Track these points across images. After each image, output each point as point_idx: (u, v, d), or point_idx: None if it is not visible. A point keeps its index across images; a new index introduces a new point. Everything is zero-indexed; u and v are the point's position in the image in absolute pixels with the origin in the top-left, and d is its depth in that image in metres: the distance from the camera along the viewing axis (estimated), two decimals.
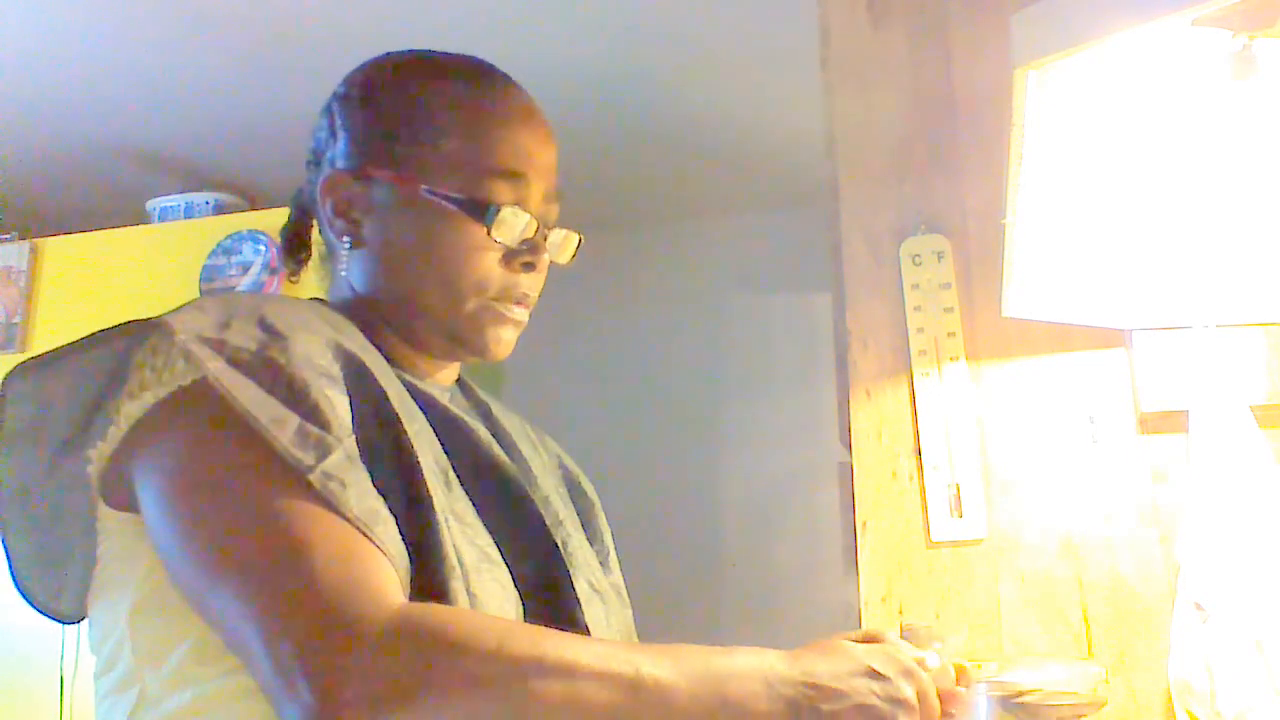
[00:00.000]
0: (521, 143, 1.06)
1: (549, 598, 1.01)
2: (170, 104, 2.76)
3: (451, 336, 1.06)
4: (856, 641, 0.96)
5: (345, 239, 1.07)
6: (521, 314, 1.08)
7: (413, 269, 1.05)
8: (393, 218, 1.05)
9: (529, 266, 1.06)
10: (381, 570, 0.83)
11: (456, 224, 1.03)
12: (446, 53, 1.12)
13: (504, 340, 1.07)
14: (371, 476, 0.88)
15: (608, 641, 0.89)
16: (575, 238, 1.13)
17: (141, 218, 2.90)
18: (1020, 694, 1.04)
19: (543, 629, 0.85)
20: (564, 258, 1.13)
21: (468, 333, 1.05)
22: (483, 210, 1.03)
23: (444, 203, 1.03)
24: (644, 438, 3.43)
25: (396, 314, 1.06)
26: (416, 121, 1.05)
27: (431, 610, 0.83)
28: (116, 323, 0.92)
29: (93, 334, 0.92)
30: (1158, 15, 0.88)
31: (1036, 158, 1.08)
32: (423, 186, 1.03)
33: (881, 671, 0.91)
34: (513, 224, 1.04)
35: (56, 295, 2.76)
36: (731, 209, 3.47)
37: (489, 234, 1.03)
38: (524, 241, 1.05)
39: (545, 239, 1.07)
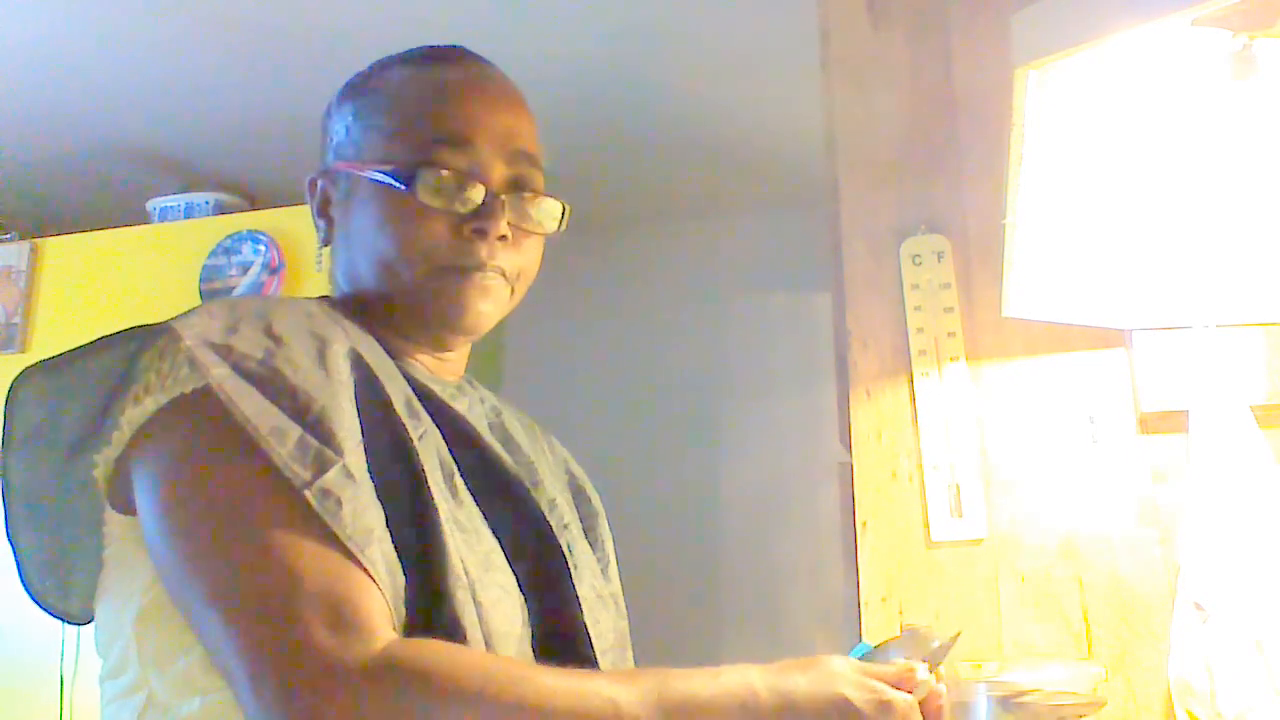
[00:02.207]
0: (466, 109, 1.05)
1: (551, 599, 1.00)
2: (170, 104, 2.76)
3: (415, 311, 1.04)
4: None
5: (322, 238, 1.10)
6: (490, 280, 1.03)
7: (366, 252, 1.05)
8: (349, 206, 1.07)
9: (479, 232, 1.02)
10: (370, 601, 0.82)
11: (393, 196, 1.02)
12: (423, 46, 1.12)
13: (474, 309, 1.03)
14: (378, 484, 0.88)
15: (590, 675, 0.88)
16: (559, 205, 1.08)
17: (141, 218, 2.90)
18: (1020, 694, 1.04)
19: (528, 668, 0.86)
20: (549, 226, 1.08)
21: (429, 303, 1.03)
22: (410, 176, 1.01)
23: (382, 178, 1.02)
24: (644, 438, 3.43)
25: (372, 303, 1.05)
26: (365, 110, 1.07)
27: (416, 652, 0.82)
28: (124, 326, 0.92)
29: (101, 338, 0.92)
30: (1158, 15, 0.88)
31: (1036, 158, 1.08)
32: (368, 170, 1.04)
33: (855, 702, 0.90)
34: (447, 188, 1.01)
35: (56, 295, 2.76)
36: (731, 209, 3.47)
37: (417, 198, 1.01)
38: (478, 207, 1.02)
39: (503, 205, 1.03)
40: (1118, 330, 1.51)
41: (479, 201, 1.02)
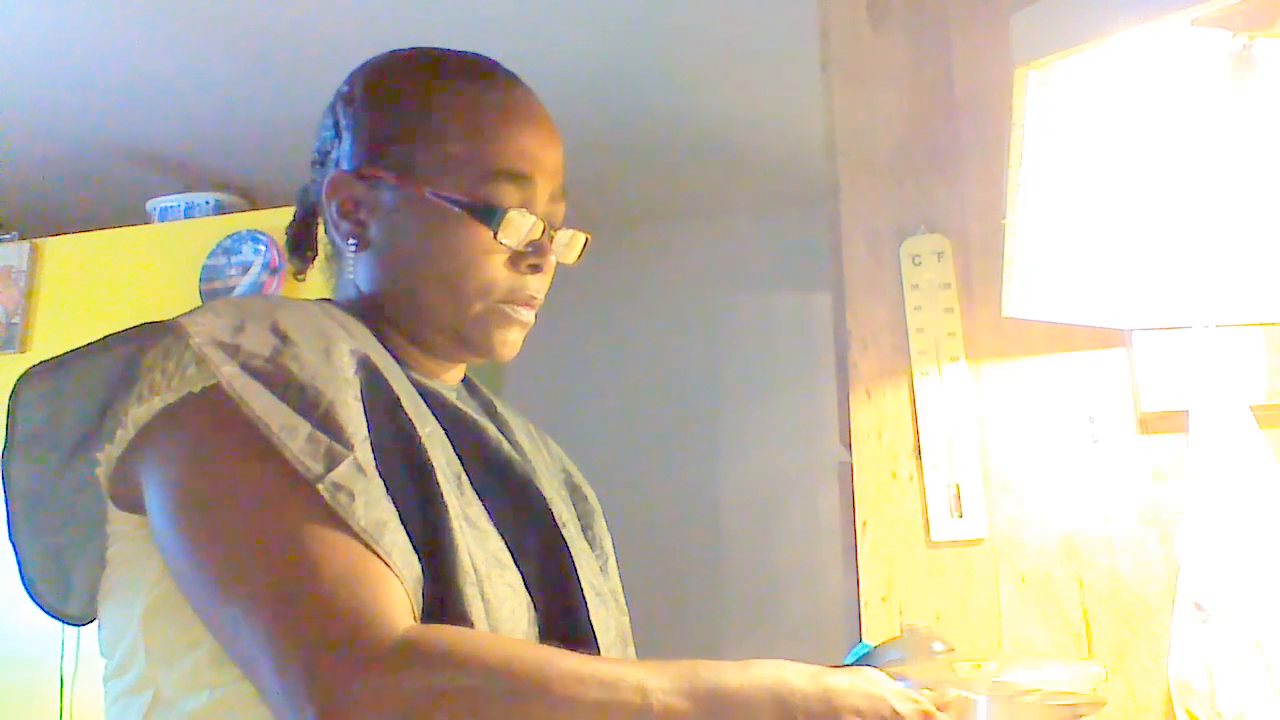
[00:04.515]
0: (526, 144, 1.06)
1: (557, 597, 1.01)
2: (170, 104, 2.76)
3: (458, 338, 1.06)
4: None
5: (351, 241, 1.06)
6: (528, 315, 1.07)
7: (418, 272, 1.04)
8: (398, 220, 1.04)
9: (535, 268, 1.05)
10: (389, 589, 0.83)
11: (462, 227, 1.02)
12: (451, 50, 1.11)
13: (510, 342, 1.07)
14: (386, 482, 0.88)
15: (618, 662, 0.88)
16: (582, 237, 1.12)
17: (141, 218, 2.90)
18: (1020, 694, 1.04)
19: (550, 651, 0.85)
20: (570, 257, 1.12)
21: (474, 335, 1.05)
22: (489, 213, 1.02)
23: (449, 205, 1.02)
24: (644, 438, 3.43)
25: (403, 315, 1.06)
26: (420, 122, 1.05)
27: (437, 634, 0.82)
28: (128, 324, 0.92)
29: (105, 336, 0.92)
30: (1158, 15, 0.88)
31: (1036, 158, 1.08)
32: (428, 189, 1.02)
33: (899, 708, 0.90)
34: (518, 226, 1.03)
35: (56, 295, 2.76)
36: (731, 209, 3.47)
37: (495, 237, 1.02)
38: (530, 243, 1.05)
39: (551, 240, 1.07)
40: (1118, 330, 1.51)
41: (536, 238, 1.05)
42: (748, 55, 2.56)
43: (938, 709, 0.93)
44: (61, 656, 2.48)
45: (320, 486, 0.83)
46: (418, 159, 1.04)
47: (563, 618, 1.00)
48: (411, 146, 1.04)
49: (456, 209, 1.02)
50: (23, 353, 2.69)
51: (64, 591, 1.00)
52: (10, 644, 2.51)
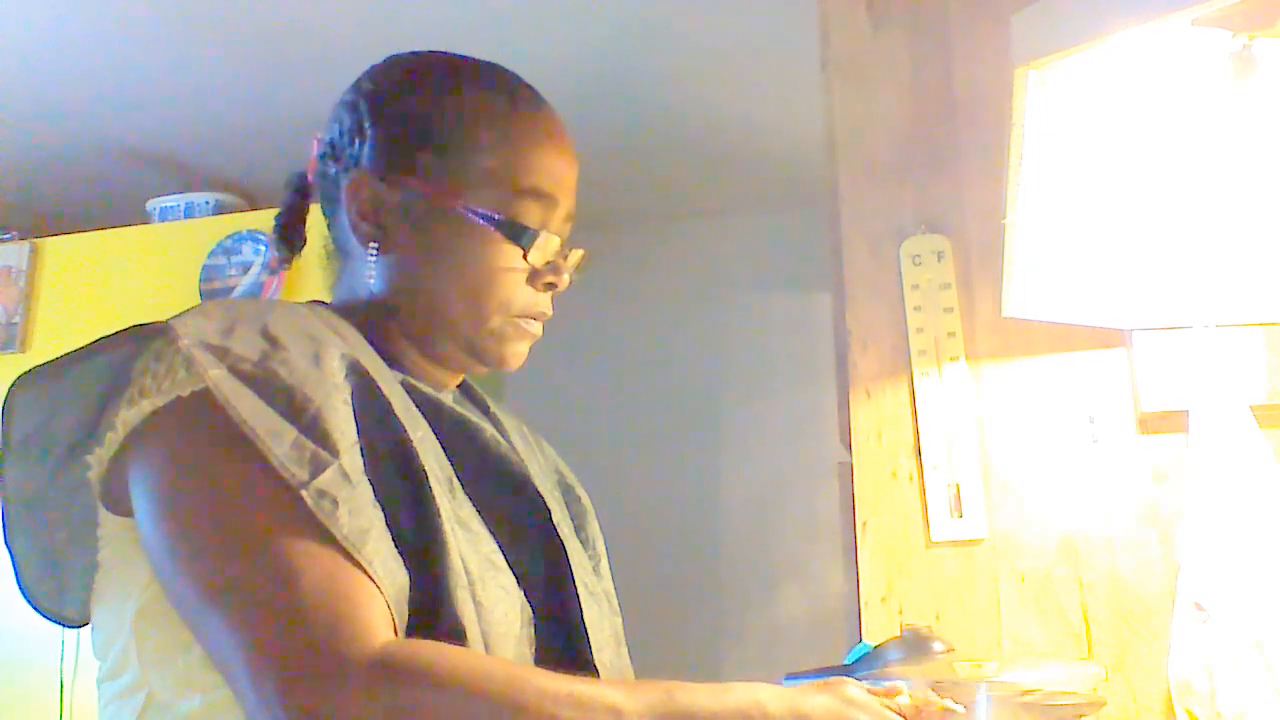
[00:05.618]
0: (553, 164, 1.07)
1: (552, 598, 1.01)
2: (170, 104, 2.76)
3: (470, 349, 1.06)
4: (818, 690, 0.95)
5: (372, 244, 1.05)
6: (538, 329, 1.08)
7: (440, 281, 1.04)
8: (424, 228, 1.04)
9: (551, 286, 1.07)
10: (368, 602, 0.82)
11: (491, 243, 1.03)
12: (478, 60, 1.11)
13: (519, 354, 1.08)
14: (376, 487, 0.88)
15: (595, 683, 0.87)
16: (580, 254, 1.12)
17: (141, 218, 2.90)
18: (1020, 694, 1.04)
19: (527, 671, 0.85)
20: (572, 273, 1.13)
21: (487, 347, 1.06)
22: (519, 232, 1.03)
23: (480, 221, 1.03)
24: (644, 437, 3.43)
25: (416, 322, 1.06)
26: (453, 132, 1.04)
27: (414, 651, 0.82)
28: (121, 326, 0.92)
29: (98, 340, 0.92)
30: (1158, 15, 0.88)
31: (1036, 158, 1.08)
32: (459, 202, 1.03)
33: None
34: (544, 247, 1.05)
35: (56, 295, 2.76)
36: (731, 209, 3.47)
37: (524, 256, 1.04)
38: (548, 262, 1.06)
39: (566, 259, 1.08)
40: (1118, 330, 1.51)
41: (553, 256, 1.07)
42: (748, 55, 2.56)
43: (909, 714, 0.93)
44: (61, 658, 2.48)
45: (304, 493, 0.83)
46: (448, 169, 1.04)
47: (557, 618, 1.00)
48: (442, 156, 1.04)
49: (487, 225, 1.03)
50: (22, 353, 2.70)
51: (60, 594, 1.00)
52: (10, 644, 2.51)
